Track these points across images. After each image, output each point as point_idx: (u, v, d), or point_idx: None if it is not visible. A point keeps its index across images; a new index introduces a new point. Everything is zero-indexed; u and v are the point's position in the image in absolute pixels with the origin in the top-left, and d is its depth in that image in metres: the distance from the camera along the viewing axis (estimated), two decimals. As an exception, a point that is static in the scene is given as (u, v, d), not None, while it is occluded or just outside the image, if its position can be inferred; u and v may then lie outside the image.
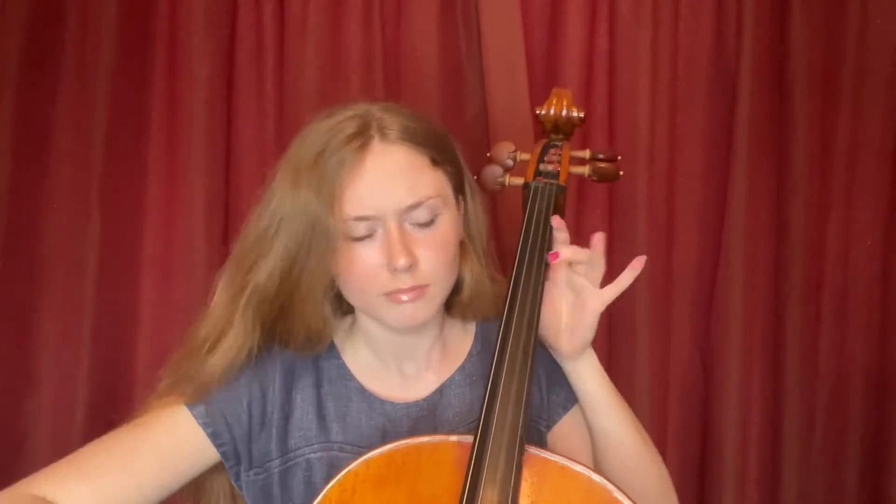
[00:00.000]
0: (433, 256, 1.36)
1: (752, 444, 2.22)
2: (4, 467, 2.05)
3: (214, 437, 1.44)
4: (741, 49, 2.18)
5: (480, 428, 1.22)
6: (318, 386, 1.49)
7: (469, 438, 1.22)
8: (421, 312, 1.38)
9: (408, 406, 1.48)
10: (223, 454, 1.45)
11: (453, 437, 1.24)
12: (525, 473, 1.20)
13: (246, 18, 2.13)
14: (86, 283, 2.07)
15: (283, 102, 2.14)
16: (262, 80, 2.13)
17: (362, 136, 1.35)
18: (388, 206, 1.33)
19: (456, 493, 1.18)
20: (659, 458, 1.47)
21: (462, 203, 1.47)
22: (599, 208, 2.19)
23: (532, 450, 1.23)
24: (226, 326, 1.43)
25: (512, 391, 1.24)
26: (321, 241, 1.34)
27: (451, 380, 1.51)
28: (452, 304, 1.51)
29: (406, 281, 1.34)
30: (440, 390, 1.50)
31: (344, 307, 1.51)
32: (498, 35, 2.16)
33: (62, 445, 2.02)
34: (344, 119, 1.37)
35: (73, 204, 2.07)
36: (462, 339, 1.56)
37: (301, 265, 1.36)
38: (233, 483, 1.51)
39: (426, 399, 1.49)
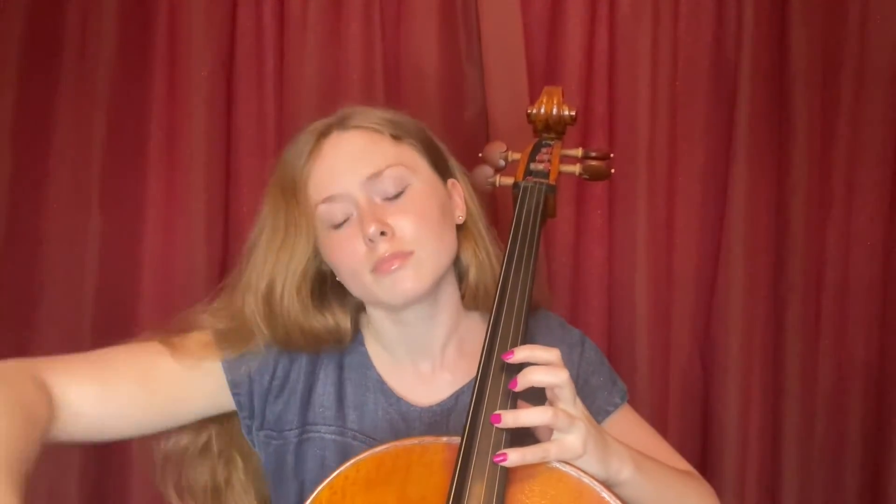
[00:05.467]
0: (409, 222, 1.38)
1: (752, 443, 2.21)
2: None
3: (233, 385, 1.49)
4: (741, 49, 2.17)
5: (468, 428, 1.22)
6: (340, 368, 1.52)
7: (458, 439, 1.22)
8: (411, 280, 1.38)
9: (422, 410, 1.49)
10: (238, 403, 1.50)
11: (443, 438, 1.25)
12: (513, 475, 1.20)
13: (246, 18, 2.13)
14: (86, 283, 2.07)
15: (283, 102, 2.15)
16: (262, 80, 2.14)
17: (323, 128, 1.43)
18: (350, 181, 1.39)
19: (444, 494, 1.18)
20: (697, 489, 1.48)
21: (458, 187, 1.52)
22: (599, 208, 2.19)
23: None
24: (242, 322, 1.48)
25: (499, 393, 1.23)
26: (300, 237, 1.41)
27: (467, 385, 1.51)
28: (464, 295, 1.52)
29: (385, 249, 1.36)
30: (455, 396, 1.50)
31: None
32: (498, 35, 2.15)
33: (62, 445, 2.04)
34: (317, 122, 1.46)
35: (73, 204, 2.08)
36: (482, 336, 1.55)
37: (285, 265, 1.42)
38: (245, 436, 1.54)
39: (440, 405, 1.50)
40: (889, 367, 2.25)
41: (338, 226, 1.40)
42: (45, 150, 2.08)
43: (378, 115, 1.46)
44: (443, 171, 1.51)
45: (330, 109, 1.50)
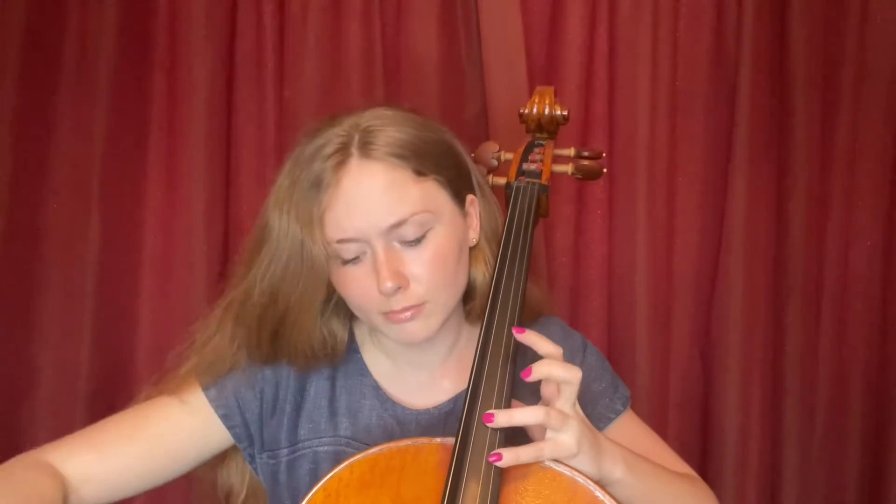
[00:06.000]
0: (426, 274, 1.34)
1: (752, 443, 2.22)
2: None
3: (226, 419, 1.47)
4: (741, 48, 2.17)
5: (462, 430, 1.21)
6: (332, 378, 1.50)
7: (452, 441, 1.22)
8: (421, 330, 1.37)
9: (418, 413, 1.48)
10: (235, 436, 1.48)
11: (436, 439, 1.24)
12: (507, 474, 1.20)
13: (246, 18, 2.13)
14: (86, 283, 2.08)
15: (284, 102, 2.15)
16: (262, 79, 2.14)
17: (341, 154, 1.32)
18: (370, 228, 1.31)
19: (439, 495, 1.18)
20: (692, 491, 1.47)
21: (475, 204, 1.45)
22: (599, 208, 2.19)
23: None
24: (216, 334, 1.48)
25: (493, 394, 1.23)
26: (306, 267, 1.34)
27: (465, 391, 1.50)
28: (469, 311, 1.49)
29: (399, 302, 1.33)
30: (454, 400, 1.49)
31: None
32: (498, 35, 2.15)
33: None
34: (329, 136, 1.34)
35: (73, 204, 2.08)
36: None
37: (288, 291, 1.37)
38: (248, 465, 1.53)
39: (437, 408, 1.49)
40: (889, 367, 2.26)
41: (348, 261, 1.35)
42: (45, 149, 2.08)
43: (400, 138, 1.34)
44: (463, 192, 1.43)
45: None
